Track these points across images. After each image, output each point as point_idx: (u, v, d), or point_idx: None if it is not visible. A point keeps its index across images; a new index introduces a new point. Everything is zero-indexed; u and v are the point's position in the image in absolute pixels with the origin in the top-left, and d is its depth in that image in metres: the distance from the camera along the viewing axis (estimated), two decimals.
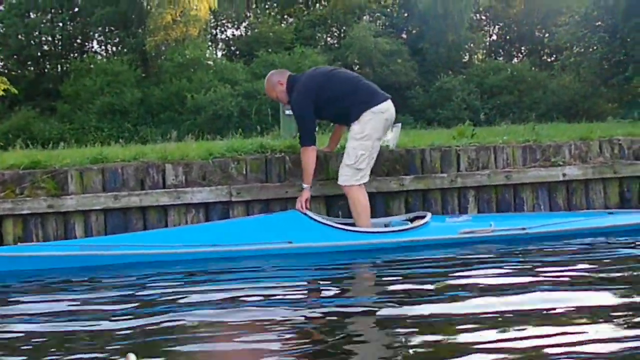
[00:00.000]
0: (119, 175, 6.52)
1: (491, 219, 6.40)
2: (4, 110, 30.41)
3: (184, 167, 6.62)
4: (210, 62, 33.25)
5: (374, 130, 6.21)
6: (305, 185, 6.25)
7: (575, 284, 4.54)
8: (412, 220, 6.49)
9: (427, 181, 6.90)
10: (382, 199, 6.86)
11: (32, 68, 37.12)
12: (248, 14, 40.48)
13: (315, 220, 6.07)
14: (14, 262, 5.68)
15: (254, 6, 41.20)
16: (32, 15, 36.00)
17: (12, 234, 6.33)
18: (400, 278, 5.00)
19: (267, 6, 41.66)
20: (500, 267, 5.15)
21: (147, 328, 3.74)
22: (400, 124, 6.85)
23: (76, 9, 37.78)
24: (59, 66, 37.14)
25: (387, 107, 6.31)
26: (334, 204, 6.74)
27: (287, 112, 8.28)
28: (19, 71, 36.04)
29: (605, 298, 4.06)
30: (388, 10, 40.07)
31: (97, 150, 7.67)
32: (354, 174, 6.21)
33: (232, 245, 5.86)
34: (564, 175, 7.09)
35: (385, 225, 6.47)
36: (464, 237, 6.09)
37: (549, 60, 40.69)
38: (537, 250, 5.76)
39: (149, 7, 33.20)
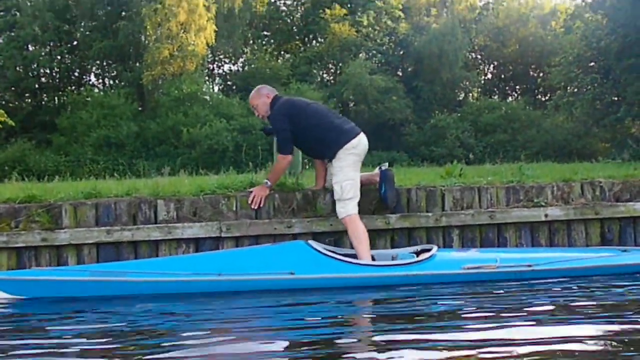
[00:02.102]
0: (112, 210, 6.67)
1: (497, 253, 6.43)
2: (0, 142, 30.54)
3: (176, 203, 6.77)
4: (207, 97, 33.53)
5: (351, 162, 6.54)
6: (268, 183, 6.73)
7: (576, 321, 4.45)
8: (418, 253, 6.53)
9: (413, 220, 7.04)
10: (368, 236, 6.94)
11: (29, 100, 37.36)
12: (245, 50, 40.87)
13: (319, 251, 6.12)
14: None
15: (251, 42, 41.62)
16: (31, 48, 36.26)
17: (6, 266, 6.46)
18: (404, 314, 5.06)
19: (264, 42, 42.10)
20: (504, 307, 5.13)
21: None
22: (387, 163, 7.01)
23: (75, 42, 38.09)
24: (56, 98, 37.35)
25: (358, 142, 6.61)
26: (322, 240, 6.84)
27: None
28: (16, 103, 36.30)
29: (614, 342, 4.00)
30: (384, 48, 40.45)
31: (91, 184, 7.77)
32: (345, 205, 6.44)
33: (236, 274, 5.93)
34: (546, 215, 7.22)
35: (392, 258, 6.53)
36: (470, 273, 6.12)
37: (543, 99, 41.09)
38: (544, 290, 5.71)
39: (147, 41, 33.56)
